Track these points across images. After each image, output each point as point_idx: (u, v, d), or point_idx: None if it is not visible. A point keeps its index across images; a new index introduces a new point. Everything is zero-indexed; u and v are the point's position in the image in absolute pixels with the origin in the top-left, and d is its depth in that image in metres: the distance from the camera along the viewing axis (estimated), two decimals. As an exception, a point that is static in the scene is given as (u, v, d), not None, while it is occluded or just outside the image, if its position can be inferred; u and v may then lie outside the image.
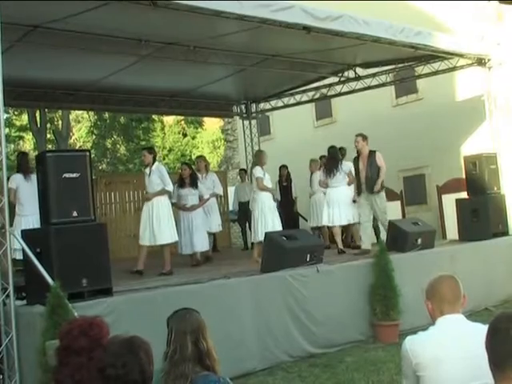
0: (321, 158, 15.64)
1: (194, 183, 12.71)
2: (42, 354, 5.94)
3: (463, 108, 16.48)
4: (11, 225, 7.87)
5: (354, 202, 12.73)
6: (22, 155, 12.23)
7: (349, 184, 12.80)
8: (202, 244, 12.55)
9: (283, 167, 16.28)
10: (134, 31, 10.58)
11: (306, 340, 9.26)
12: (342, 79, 16.27)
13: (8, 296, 7.18)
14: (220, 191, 14.98)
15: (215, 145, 41.75)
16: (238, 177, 18.94)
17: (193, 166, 14.01)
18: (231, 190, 19.06)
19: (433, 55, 13.42)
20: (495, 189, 13.00)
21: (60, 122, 29.18)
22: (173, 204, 12.74)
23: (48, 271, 7.01)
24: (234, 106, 18.89)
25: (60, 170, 7.51)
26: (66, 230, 7.42)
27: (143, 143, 34.42)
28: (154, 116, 34.19)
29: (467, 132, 16.47)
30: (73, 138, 36.31)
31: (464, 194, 13.44)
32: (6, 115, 26.56)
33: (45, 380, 6.07)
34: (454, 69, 14.41)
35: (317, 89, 17.41)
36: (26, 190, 11.05)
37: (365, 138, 12.11)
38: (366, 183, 11.91)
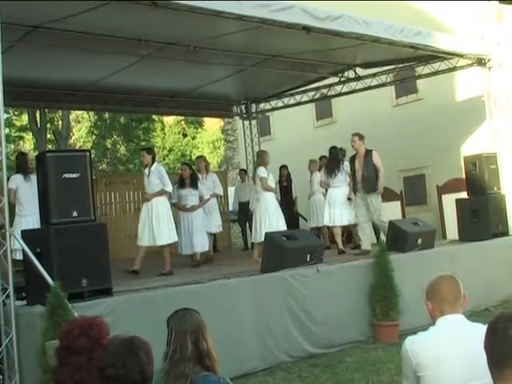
0: (321, 158, 15.64)
1: (194, 184, 12.71)
2: (42, 354, 5.94)
3: (463, 108, 16.47)
4: (11, 225, 7.87)
5: (349, 199, 12.74)
6: (22, 156, 12.25)
7: (350, 184, 12.81)
8: (201, 244, 12.55)
9: (283, 167, 16.28)
10: (134, 31, 10.58)
11: (306, 340, 9.26)
12: (342, 79, 16.27)
13: (8, 296, 7.18)
14: (220, 191, 14.97)
15: (215, 145, 41.74)
16: (238, 177, 18.95)
17: (193, 167, 14.00)
18: (231, 190, 19.06)
19: (433, 55, 13.42)
20: (495, 189, 13.00)
21: (60, 122, 29.17)
22: (173, 204, 12.76)
23: (48, 271, 7.01)
24: (234, 107, 18.90)
25: (60, 170, 7.51)
26: (66, 230, 7.42)
27: (143, 143, 34.43)
28: (154, 116, 34.18)
29: (467, 132, 16.46)
30: (73, 138, 36.30)
31: (464, 194, 13.44)
32: (6, 115, 26.55)
33: (45, 380, 6.07)
34: (454, 69, 14.41)
35: (317, 89, 17.41)
36: (26, 190, 11.06)
37: (361, 137, 12.11)
38: (363, 183, 11.91)
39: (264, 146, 17.68)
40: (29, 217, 10.82)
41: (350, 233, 14.03)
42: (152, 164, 11.55)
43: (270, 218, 11.94)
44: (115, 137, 35.58)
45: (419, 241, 11.48)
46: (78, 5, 8.72)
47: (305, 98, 17.84)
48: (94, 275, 7.45)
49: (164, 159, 41.33)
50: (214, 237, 14.88)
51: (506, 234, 12.90)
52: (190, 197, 12.62)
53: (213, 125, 40.80)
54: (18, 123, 33.48)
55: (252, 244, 15.63)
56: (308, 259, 9.84)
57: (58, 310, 6.55)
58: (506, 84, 13.95)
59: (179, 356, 3.88)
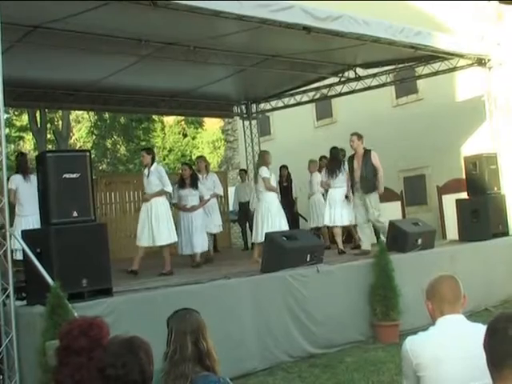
0: (321, 158, 15.65)
1: (194, 184, 12.70)
2: (42, 354, 5.95)
3: (463, 108, 16.47)
4: (11, 225, 7.87)
5: (347, 197, 12.73)
6: (22, 156, 12.28)
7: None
8: (201, 245, 12.54)
9: (283, 167, 16.28)
10: (134, 31, 10.58)
11: (306, 340, 9.26)
12: (343, 79, 16.28)
13: (8, 296, 7.18)
14: (220, 191, 14.97)
15: (215, 145, 41.74)
16: (239, 177, 18.95)
17: (193, 167, 13.99)
18: (231, 190, 19.06)
19: (433, 55, 13.42)
20: (495, 189, 13.00)
21: (60, 123, 29.18)
22: (173, 205, 12.76)
23: (48, 271, 7.01)
24: (235, 107, 18.89)
25: (60, 171, 7.51)
26: (66, 230, 7.42)
27: (143, 143, 34.44)
28: (154, 116, 34.20)
29: (467, 132, 16.46)
30: (73, 138, 36.30)
31: (464, 195, 13.44)
32: (6, 115, 26.55)
33: (45, 380, 6.07)
34: (454, 69, 14.40)
35: (317, 89, 17.41)
36: (26, 190, 11.10)
37: (360, 137, 12.09)
38: (361, 182, 11.89)
39: (264, 146, 17.68)
40: (29, 217, 10.86)
41: (349, 233, 14.02)
42: (151, 164, 11.55)
43: (272, 218, 11.92)
44: (115, 137, 35.59)
45: (419, 241, 11.48)
46: (78, 5, 8.72)
47: (305, 98, 17.84)
48: (94, 275, 7.45)
49: (164, 159, 41.33)
50: (214, 237, 14.87)
51: (506, 234, 12.90)
52: (190, 197, 12.62)
53: (213, 125, 40.81)
54: (18, 123, 33.49)
55: (252, 244, 15.63)
56: (308, 259, 9.84)
57: (58, 310, 6.55)
58: (506, 84, 13.95)
59: (179, 356, 3.88)
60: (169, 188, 11.52)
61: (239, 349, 8.35)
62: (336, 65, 15.06)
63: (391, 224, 11.82)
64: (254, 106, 18.69)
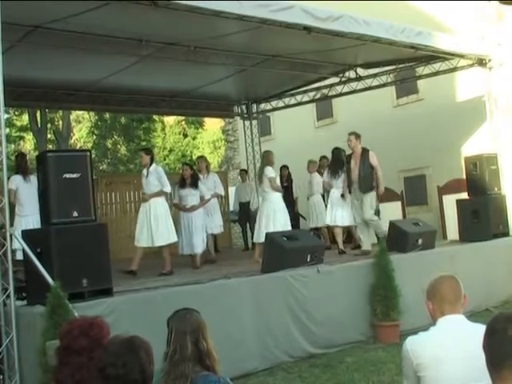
0: (321, 158, 15.66)
1: (194, 183, 12.67)
2: (43, 354, 5.94)
3: (464, 108, 16.47)
4: (11, 225, 7.87)
5: (342, 196, 12.74)
6: (21, 156, 12.35)
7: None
8: (202, 245, 12.52)
9: (284, 167, 16.27)
10: (135, 31, 10.58)
11: (307, 340, 9.26)
12: (343, 79, 16.28)
13: (8, 296, 7.18)
14: (221, 191, 14.96)
15: (216, 145, 41.74)
16: (239, 177, 18.94)
17: (194, 167, 13.98)
18: (232, 190, 19.06)
19: (433, 56, 13.42)
20: (496, 189, 13.00)
21: (60, 123, 29.18)
22: (174, 205, 12.74)
23: (48, 271, 7.01)
24: (235, 107, 18.89)
25: (60, 170, 7.50)
26: (67, 230, 7.42)
27: (144, 143, 34.45)
28: (154, 116, 34.21)
29: (468, 132, 16.46)
30: (73, 138, 36.30)
31: (464, 195, 13.43)
32: (6, 115, 26.54)
33: (45, 380, 6.07)
34: (454, 69, 14.40)
35: (317, 89, 17.41)
36: (26, 190, 11.17)
37: (357, 136, 12.07)
38: (359, 182, 11.87)
39: (264, 146, 17.67)
40: (29, 217, 10.91)
41: (349, 233, 14.02)
42: (150, 165, 11.55)
43: (277, 219, 11.89)
44: (116, 137, 35.60)
45: (420, 241, 11.48)
46: (78, 5, 8.72)
47: (305, 98, 17.84)
48: (94, 275, 7.45)
49: (164, 159, 41.33)
50: (214, 237, 14.85)
51: (506, 234, 12.90)
52: (190, 197, 12.60)
53: (213, 125, 40.82)
54: (18, 123, 33.48)
55: (252, 244, 15.62)
56: (308, 259, 9.84)
57: (59, 310, 6.56)
58: (507, 84, 13.95)
59: (179, 356, 3.87)
60: (168, 188, 11.52)
61: (239, 349, 8.35)
62: (336, 65, 15.06)
63: (392, 224, 11.81)
64: (255, 106, 18.69)
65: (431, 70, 14.66)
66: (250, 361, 8.54)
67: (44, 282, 6.92)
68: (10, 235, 7.29)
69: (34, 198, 11.05)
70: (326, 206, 14.29)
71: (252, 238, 16.46)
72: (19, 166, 11.62)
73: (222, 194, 15.73)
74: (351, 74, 15.85)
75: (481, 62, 13.47)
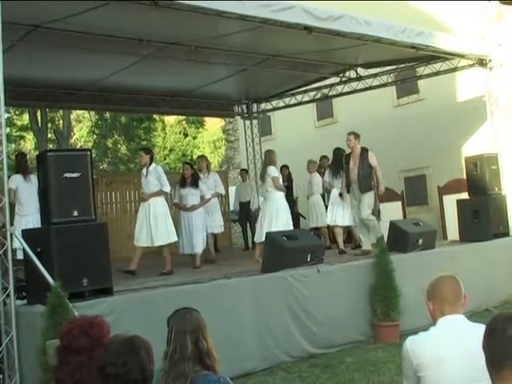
0: (321, 158, 15.66)
1: (195, 183, 12.66)
2: (43, 354, 5.94)
3: (464, 109, 16.47)
4: (11, 224, 7.87)
5: (340, 195, 12.74)
6: (21, 156, 12.38)
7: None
8: (202, 244, 12.50)
9: (284, 167, 16.26)
10: (136, 31, 10.58)
11: (307, 340, 9.25)
12: (344, 79, 16.28)
13: (8, 295, 7.18)
14: (222, 191, 14.95)
15: (216, 145, 41.75)
16: (239, 177, 18.94)
17: (194, 166, 13.97)
18: (232, 190, 19.06)
19: (434, 56, 13.42)
20: (496, 189, 12.99)
21: (61, 122, 29.19)
22: (174, 204, 12.73)
23: (48, 271, 7.00)
24: (236, 106, 18.89)
25: (61, 170, 7.50)
26: (67, 229, 7.42)
27: (144, 143, 34.45)
28: (155, 116, 34.22)
29: (468, 132, 16.47)
30: (74, 137, 36.30)
31: (465, 195, 13.43)
32: (6, 115, 26.54)
33: (45, 379, 6.07)
34: (455, 69, 14.40)
35: (318, 89, 17.41)
36: (26, 190, 11.21)
37: (357, 136, 12.06)
38: (358, 182, 11.85)
39: (265, 146, 17.66)
40: (29, 216, 10.96)
41: (350, 233, 14.03)
42: (150, 164, 11.55)
43: (281, 218, 11.89)
44: (116, 136, 35.61)
45: (420, 241, 11.47)
46: (78, 5, 8.73)
47: (306, 97, 17.84)
48: (94, 275, 7.44)
49: (165, 159, 41.34)
50: (214, 237, 14.84)
51: (506, 234, 12.89)
52: (191, 196, 12.58)
53: (214, 124, 40.82)
54: (18, 123, 33.47)
55: (253, 244, 15.61)
56: (309, 259, 9.83)
57: (59, 310, 6.56)
58: (507, 84, 13.94)
59: (179, 355, 3.88)
60: (167, 188, 11.51)
61: (239, 348, 8.35)
62: (337, 65, 15.07)
63: (392, 224, 11.81)
64: (255, 105, 18.69)
65: (432, 70, 14.66)
66: (249, 360, 8.53)
67: (44, 281, 6.92)
68: (11, 234, 7.29)
69: (33, 197, 11.11)
70: (326, 206, 14.30)
71: (252, 238, 16.48)
72: (19, 165, 11.63)
73: (223, 193, 15.72)
74: (352, 73, 15.85)
75: (481, 62, 13.47)
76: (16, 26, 9.30)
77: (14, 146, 34.59)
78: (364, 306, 10.03)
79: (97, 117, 33.83)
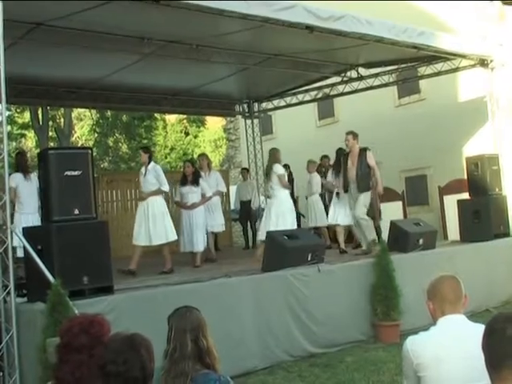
0: (322, 158, 15.66)
1: (195, 181, 12.64)
2: (43, 352, 5.94)
3: (465, 109, 16.48)
4: (11, 222, 7.87)
5: (338, 194, 12.75)
6: (21, 155, 12.47)
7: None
8: (203, 243, 12.50)
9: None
10: (137, 29, 10.58)
11: (307, 339, 9.25)
12: (345, 79, 16.26)
13: (9, 293, 7.17)
14: (223, 188, 14.95)
15: (217, 144, 41.74)
16: (240, 176, 18.95)
17: (195, 164, 13.96)
18: (233, 189, 19.06)
19: (435, 56, 13.41)
20: (497, 190, 12.99)
21: (62, 120, 29.16)
22: (175, 202, 12.71)
23: (49, 269, 7.01)
24: (237, 105, 18.88)
25: (62, 168, 7.50)
26: (68, 227, 7.42)
27: (145, 141, 34.44)
28: (156, 114, 34.18)
29: (469, 133, 16.47)
30: (75, 135, 36.31)
31: (466, 195, 13.43)
32: (8, 113, 26.59)
33: (45, 377, 6.05)
34: (456, 69, 14.40)
35: (319, 88, 17.40)
36: (26, 188, 11.27)
37: (355, 135, 12.06)
38: (357, 182, 11.83)
39: (266, 145, 17.67)
40: (28, 215, 11.02)
41: (350, 233, 14.03)
42: (149, 163, 11.55)
43: (287, 218, 11.89)
44: (117, 135, 35.59)
45: (421, 241, 11.47)
46: (79, 4, 8.74)
47: (307, 97, 17.83)
48: (94, 273, 7.45)
49: (166, 158, 41.36)
50: (215, 236, 14.83)
51: (507, 234, 12.89)
52: (191, 194, 12.55)
53: (215, 123, 40.82)
54: (19, 120, 33.45)
55: (253, 243, 15.63)
56: (309, 258, 9.83)
57: (59, 308, 6.56)
58: (509, 85, 13.93)
59: (179, 354, 3.88)
60: (165, 187, 11.51)
61: (240, 347, 8.35)
62: (338, 64, 15.06)
63: (393, 224, 11.81)
64: (256, 104, 18.68)
65: (433, 70, 14.65)
66: (250, 359, 8.53)
67: (44, 279, 6.92)
68: (11, 232, 7.29)
69: (33, 196, 11.16)
70: (325, 205, 14.32)
71: (253, 237, 16.50)
72: (19, 164, 11.66)
73: (225, 191, 15.74)
74: (353, 73, 15.84)
75: (483, 63, 13.46)
76: (18, 24, 9.30)
77: (14, 144, 34.60)
78: (364, 306, 10.03)
79: (98, 115, 33.83)
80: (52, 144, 28.60)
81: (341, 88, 16.77)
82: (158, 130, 40.64)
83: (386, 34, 10.95)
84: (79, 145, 34.74)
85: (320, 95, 17.70)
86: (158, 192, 11.40)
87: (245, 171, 18.03)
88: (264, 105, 18.78)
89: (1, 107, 7.50)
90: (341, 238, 12.89)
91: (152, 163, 11.63)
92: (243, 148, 21.52)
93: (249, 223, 17.37)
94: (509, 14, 15.51)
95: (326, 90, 17.30)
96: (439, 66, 14.41)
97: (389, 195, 15.37)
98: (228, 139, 31.25)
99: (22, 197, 11.27)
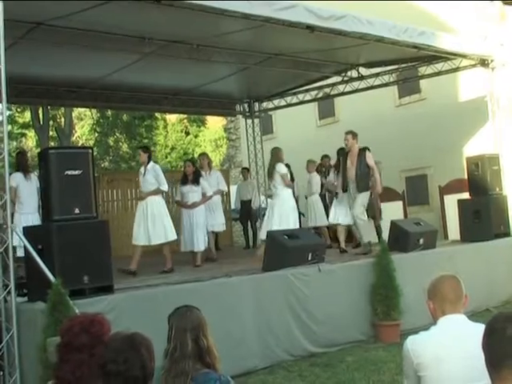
0: (323, 157, 15.66)
1: (196, 180, 12.63)
2: (43, 351, 5.95)
3: (466, 109, 16.47)
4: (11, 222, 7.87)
5: (337, 194, 12.75)
6: (22, 154, 12.45)
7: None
8: (203, 242, 12.49)
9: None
10: (138, 29, 10.57)
11: (307, 339, 9.26)
12: (345, 79, 16.25)
13: (9, 293, 7.17)
14: (224, 187, 14.95)
15: (218, 143, 41.73)
16: (241, 175, 18.95)
17: (196, 164, 13.95)
18: (233, 188, 19.06)
19: (436, 55, 13.40)
20: (497, 190, 13.00)
21: (63, 120, 29.15)
22: (176, 202, 12.70)
23: (49, 268, 7.01)
24: (237, 105, 18.86)
25: (62, 167, 7.50)
26: (68, 226, 7.42)
27: (146, 141, 34.42)
28: (156, 114, 34.17)
29: (470, 133, 16.46)
30: (75, 135, 36.30)
31: (466, 195, 13.43)
32: (8, 112, 26.58)
33: (45, 376, 6.05)
34: (457, 69, 14.39)
35: (320, 88, 17.39)
36: (26, 188, 11.30)
37: (354, 135, 12.05)
38: (356, 182, 11.83)
39: (266, 145, 17.68)
40: (28, 215, 11.05)
41: (350, 232, 14.03)
42: (148, 163, 11.55)
43: (290, 219, 11.89)
44: (118, 134, 35.58)
45: (421, 241, 11.47)
46: (80, 4, 8.74)
47: (307, 97, 17.82)
48: (95, 272, 7.45)
49: (166, 157, 41.36)
50: (216, 235, 14.82)
51: (507, 234, 12.89)
52: (191, 193, 12.54)
53: (215, 123, 40.80)
54: (20, 120, 33.44)
55: (253, 242, 15.62)
56: (310, 258, 9.83)
57: (59, 307, 6.56)
58: (509, 84, 13.94)
59: (179, 353, 3.88)
60: (164, 187, 11.51)
61: (240, 347, 8.35)
62: (339, 64, 15.05)
63: (393, 224, 11.81)
64: (257, 104, 18.66)
65: (433, 70, 14.65)
66: (250, 359, 8.54)
67: (45, 278, 6.92)
68: (11, 231, 7.29)
69: (33, 196, 11.16)
70: (326, 205, 14.32)
71: (253, 237, 16.50)
72: (20, 163, 11.67)
73: (225, 190, 15.72)
74: (353, 73, 15.83)
75: (483, 62, 13.45)
76: (18, 24, 9.30)
77: (15, 143, 34.60)
78: (365, 306, 10.03)
79: (98, 115, 33.81)
80: (52, 143, 28.59)
81: (341, 88, 16.75)
82: (158, 129, 40.64)
83: (386, 34, 10.95)
84: (80, 144, 34.74)
85: (320, 95, 17.69)
86: (157, 192, 11.41)
87: (245, 171, 18.03)
88: (264, 104, 18.77)
89: (1, 107, 7.50)
90: (341, 238, 12.88)
91: (151, 163, 11.62)
92: (244, 148, 21.52)
93: (249, 223, 17.38)
94: (509, 14, 15.51)
95: (327, 90, 17.29)
96: (440, 66, 14.41)
97: (389, 195, 15.37)
98: (228, 139, 31.25)
99: (22, 196, 11.28)
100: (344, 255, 12.09)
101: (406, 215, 16.42)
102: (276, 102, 18.55)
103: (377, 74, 15.71)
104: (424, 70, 14.99)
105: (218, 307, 8.04)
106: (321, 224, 14.50)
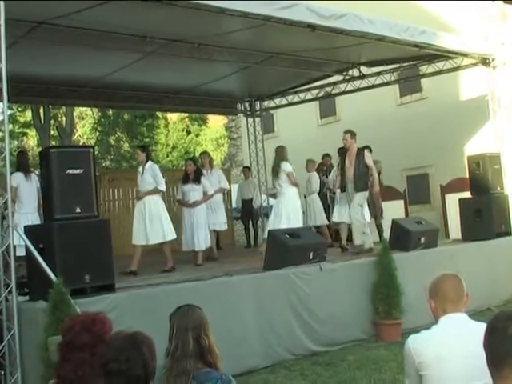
0: (324, 156, 15.66)
1: (197, 179, 12.62)
2: (44, 350, 5.96)
3: (467, 107, 16.47)
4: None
5: (335, 194, 12.75)
6: (22, 154, 12.45)
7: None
8: (204, 241, 12.47)
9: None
10: (139, 28, 10.57)
11: (309, 338, 9.26)
12: (347, 78, 16.23)
13: (10, 292, 7.18)
14: (226, 186, 14.90)
15: (219, 142, 41.69)
16: (242, 174, 18.94)
17: (197, 163, 13.93)
18: (234, 187, 19.05)
19: (437, 54, 13.40)
20: (498, 189, 13.00)
21: (64, 119, 29.16)
22: (177, 201, 12.69)
23: (51, 267, 7.01)
24: (238, 104, 18.86)
25: (63, 166, 7.51)
26: (69, 225, 7.43)
27: (147, 140, 34.44)
28: (157, 113, 34.17)
29: (471, 132, 16.46)
30: (76, 134, 36.28)
31: (467, 194, 13.43)
32: (9, 111, 26.57)
33: (47, 376, 6.06)
34: (458, 68, 14.38)
35: (321, 87, 17.39)
36: (26, 188, 11.31)
37: (353, 135, 12.04)
38: (354, 181, 11.82)
39: (268, 144, 17.69)
40: (28, 215, 11.07)
41: (350, 231, 14.02)
42: (146, 162, 11.54)
43: (292, 215, 11.89)
44: (119, 133, 35.58)
45: (422, 240, 11.47)
46: (81, 3, 8.74)
47: (309, 95, 17.81)
48: (96, 271, 7.46)
49: (167, 156, 41.33)
50: (217, 234, 14.81)
51: (508, 233, 12.89)
52: (192, 192, 12.51)
53: (216, 122, 40.77)
54: (21, 119, 33.46)
55: (255, 241, 15.61)
56: (311, 257, 9.83)
57: (61, 306, 6.57)
58: (510, 83, 13.93)
59: (181, 352, 3.87)
60: (162, 186, 11.51)
61: (241, 346, 8.36)
62: (340, 63, 15.04)
63: (394, 223, 11.81)
64: (258, 103, 18.66)
65: (435, 69, 14.64)
66: (252, 358, 8.54)
67: (46, 277, 6.93)
68: (13, 231, 7.29)
69: (33, 196, 11.15)
70: (327, 204, 14.31)
71: (255, 235, 16.50)
72: (20, 163, 11.68)
73: (227, 188, 15.67)
74: (355, 72, 15.82)
75: (484, 61, 13.45)
76: (19, 23, 9.30)
77: (16, 142, 34.60)
78: (366, 305, 10.04)
79: (100, 114, 33.81)
80: (54, 143, 28.59)
81: (342, 87, 16.75)
82: (159, 128, 40.61)
83: (387, 33, 10.95)
84: (81, 143, 34.69)
85: (322, 94, 17.69)
86: (155, 191, 11.40)
87: (246, 170, 18.02)
88: (266, 103, 18.77)
89: (2, 106, 7.50)
90: (343, 235, 12.90)
91: (149, 162, 11.61)
92: (245, 146, 21.51)
93: (250, 222, 17.37)
94: (510, 14, 15.50)
95: (328, 89, 17.29)
96: (441, 65, 14.40)
97: (390, 194, 15.37)
98: (230, 138, 31.24)
99: (22, 196, 11.29)
100: (345, 254, 12.08)
101: (407, 214, 16.41)
102: (277, 101, 18.55)
103: (378, 73, 15.71)
104: (425, 68, 14.99)
105: (219, 306, 8.05)
106: (321, 223, 14.49)
